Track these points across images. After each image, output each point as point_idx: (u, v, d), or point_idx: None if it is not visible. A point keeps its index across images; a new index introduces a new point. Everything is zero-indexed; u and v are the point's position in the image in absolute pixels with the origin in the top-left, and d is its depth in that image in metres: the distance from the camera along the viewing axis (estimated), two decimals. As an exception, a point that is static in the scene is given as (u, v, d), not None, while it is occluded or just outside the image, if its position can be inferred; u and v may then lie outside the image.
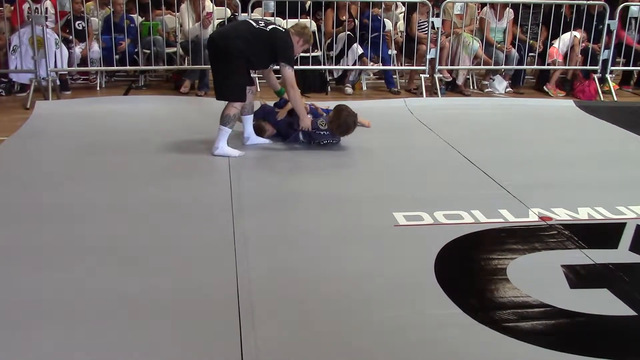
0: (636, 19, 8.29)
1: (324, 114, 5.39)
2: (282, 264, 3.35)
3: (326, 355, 2.62)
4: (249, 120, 5.40)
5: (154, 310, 2.88)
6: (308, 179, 4.73)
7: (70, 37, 7.38)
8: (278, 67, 5.06)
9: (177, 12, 7.72)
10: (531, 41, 8.16)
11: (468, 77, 8.37)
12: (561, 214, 4.07)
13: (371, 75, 8.50)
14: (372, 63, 7.98)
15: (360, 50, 7.75)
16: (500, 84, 8.18)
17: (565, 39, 8.10)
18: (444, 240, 3.65)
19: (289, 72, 4.95)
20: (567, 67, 8.22)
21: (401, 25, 8.53)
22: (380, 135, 5.43)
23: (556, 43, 8.10)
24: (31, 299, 2.93)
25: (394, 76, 8.25)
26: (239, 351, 2.59)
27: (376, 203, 4.23)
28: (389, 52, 8.09)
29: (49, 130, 5.85)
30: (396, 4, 8.41)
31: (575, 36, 8.05)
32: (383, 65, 8.01)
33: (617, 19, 8.00)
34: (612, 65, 8.15)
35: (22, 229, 3.68)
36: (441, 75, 7.95)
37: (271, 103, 5.80)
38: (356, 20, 7.99)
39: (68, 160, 4.96)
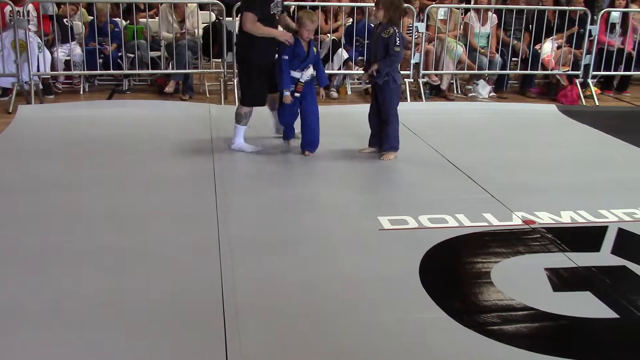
0: (617, 24, 8.38)
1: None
2: (267, 269, 3.35)
3: (311, 360, 2.63)
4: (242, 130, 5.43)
5: (139, 315, 2.87)
6: (293, 184, 4.73)
7: (52, 36, 7.32)
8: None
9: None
10: (515, 41, 8.19)
11: (452, 81, 8.42)
12: (544, 218, 4.11)
13: (356, 80, 8.52)
14: (357, 67, 8.00)
15: (345, 55, 7.77)
16: (484, 89, 8.23)
17: (548, 46, 8.17)
18: (428, 244, 3.66)
19: (247, 14, 5.02)
20: (549, 72, 8.30)
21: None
22: (365, 140, 5.44)
23: (545, 50, 8.16)
24: (14, 303, 2.91)
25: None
26: (224, 355, 2.58)
27: (361, 207, 4.24)
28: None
29: (31, 134, 5.80)
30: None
31: (555, 43, 8.13)
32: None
33: (598, 24, 8.09)
34: (593, 70, 8.23)
35: (3, 233, 3.65)
36: (428, 80, 7.99)
37: None
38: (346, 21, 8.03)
39: (50, 165, 4.92)
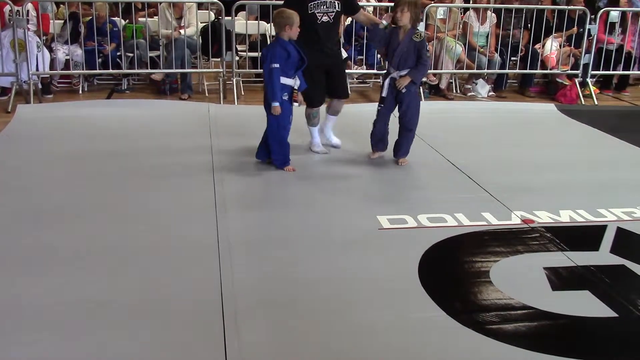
0: (616, 23, 8.39)
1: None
2: (266, 268, 3.35)
3: (309, 359, 2.62)
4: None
5: (136, 314, 2.87)
6: (292, 182, 4.73)
7: (51, 35, 7.34)
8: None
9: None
10: (513, 30, 8.17)
11: (451, 81, 8.43)
12: (543, 217, 4.11)
13: (354, 79, 8.52)
14: (356, 66, 8.00)
15: (344, 54, 7.76)
16: (483, 88, 8.24)
17: (549, 44, 8.18)
18: (427, 244, 3.67)
19: None
20: (549, 71, 8.30)
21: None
22: (364, 140, 5.44)
23: (547, 48, 8.16)
24: (9, 304, 2.91)
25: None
26: (223, 355, 2.59)
27: (360, 206, 4.24)
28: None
29: (30, 134, 5.80)
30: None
31: (556, 42, 8.15)
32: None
33: (597, 23, 8.10)
34: (592, 70, 8.24)
35: (2, 233, 3.65)
36: (427, 79, 8.00)
37: None
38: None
39: (49, 165, 4.92)
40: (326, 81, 5.21)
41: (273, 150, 4.87)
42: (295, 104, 4.84)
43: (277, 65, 4.60)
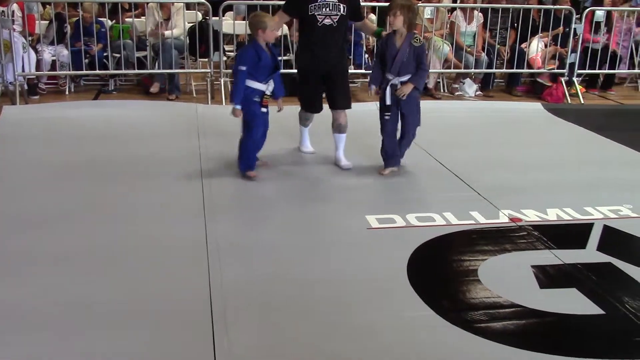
0: (601, 23, 8.45)
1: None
2: (255, 269, 3.35)
3: (298, 359, 2.63)
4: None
5: (126, 316, 2.86)
6: (280, 182, 4.73)
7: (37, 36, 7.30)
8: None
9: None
10: (498, 46, 8.26)
11: (438, 80, 8.45)
12: (531, 215, 4.14)
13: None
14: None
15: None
16: (470, 88, 8.27)
17: (535, 45, 8.23)
18: (416, 243, 3.68)
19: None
20: (535, 70, 8.35)
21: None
22: (352, 139, 5.44)
23: (532, 49, 8.21)
24: (5, 305, 2.89)
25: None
26: (212, 355, 2.58)
27: (349, 206, 4.25)
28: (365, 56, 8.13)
29: (16, 135, 5.75)
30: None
31: (541, 42, 8.20)
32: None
33: (583, 22, 8.16)
34: (578, 69, 8.30)
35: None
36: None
37: None
38: None
39: (36, 166, 4.89)
40: (325, 89, 5.01)
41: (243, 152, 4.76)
42: (264, 109, 4.66)
43: (243, 68, 4.49)
